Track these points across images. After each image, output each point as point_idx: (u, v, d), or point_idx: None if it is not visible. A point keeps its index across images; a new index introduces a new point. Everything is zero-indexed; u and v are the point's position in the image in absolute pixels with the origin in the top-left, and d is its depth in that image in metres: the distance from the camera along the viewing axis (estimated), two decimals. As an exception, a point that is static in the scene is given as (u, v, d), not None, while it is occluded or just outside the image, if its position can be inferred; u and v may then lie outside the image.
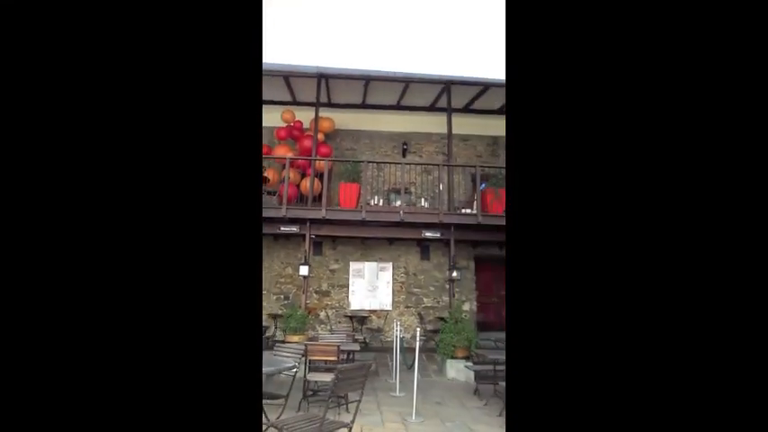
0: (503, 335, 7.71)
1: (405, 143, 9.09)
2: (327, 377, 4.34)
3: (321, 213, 6.82)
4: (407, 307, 8.43)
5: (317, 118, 7.87)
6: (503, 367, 5.18)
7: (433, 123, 8.93)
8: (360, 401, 3.18)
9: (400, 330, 5.98)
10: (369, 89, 8.27)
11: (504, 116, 9.11)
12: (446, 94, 8.05)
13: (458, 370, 6.37)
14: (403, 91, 8.25)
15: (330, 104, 8.79)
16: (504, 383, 4.66)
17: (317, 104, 7.86)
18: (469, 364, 6.03)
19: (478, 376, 5.54)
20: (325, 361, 4.87)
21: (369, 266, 8.53)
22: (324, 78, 7.81)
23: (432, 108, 8.90)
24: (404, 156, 8.97)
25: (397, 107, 8.93)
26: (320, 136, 8.29)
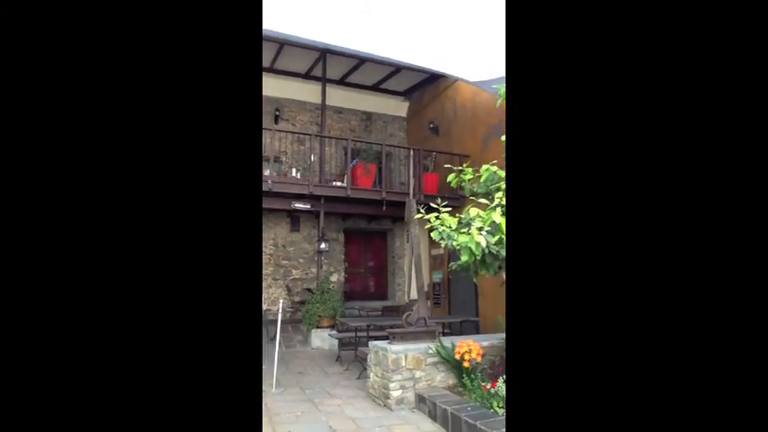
0: (368, 303, 8.13)
1: (277, 109, 8.66)
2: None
3: (177, 179, 6.14)
4: (276, 279, 8.25)
5: (174, 70, 6.94)
6: (364, 333, 5.48)
7: (307, 92, 8.66)
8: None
9: (266, 303, 5.84)
10: (238, 46, 7.58)
11: (378, 93, 9.33)
12: (321, 63, 7.85)
13: (322, 339, 6.53)
14: (276, 53, 7.78)
15: (192, 57, 7.83)
16: (363, 348, 4.94)
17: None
18: (333, 332, 6.23)
19: (341, 343, 5.77)
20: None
21: (234, 238, 8.05)
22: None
23: (307, 76, 8.61)
24: (276, 122, 8.56)
25: (271, 70, 8.41)
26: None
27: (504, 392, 3.47)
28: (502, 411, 3.37)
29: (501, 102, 4.12)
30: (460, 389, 4.00)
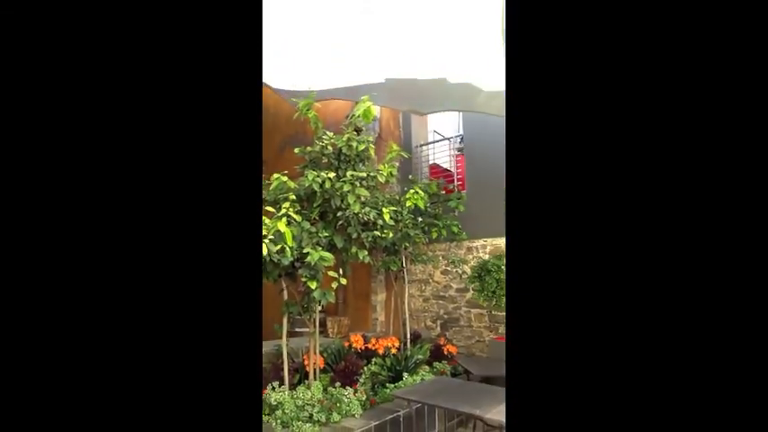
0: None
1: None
2: None
3: None
4: None
5: None
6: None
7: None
8: None
9: None
10: None
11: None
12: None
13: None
14: None
15: None
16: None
17: None
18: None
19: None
20: None
21: None
22: None
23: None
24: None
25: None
26: None
27: (270, 399, 3.52)
28: (267, 418, 3.40)
29: (298, 115, 4.27)
30: (227, 401, 3.85)
